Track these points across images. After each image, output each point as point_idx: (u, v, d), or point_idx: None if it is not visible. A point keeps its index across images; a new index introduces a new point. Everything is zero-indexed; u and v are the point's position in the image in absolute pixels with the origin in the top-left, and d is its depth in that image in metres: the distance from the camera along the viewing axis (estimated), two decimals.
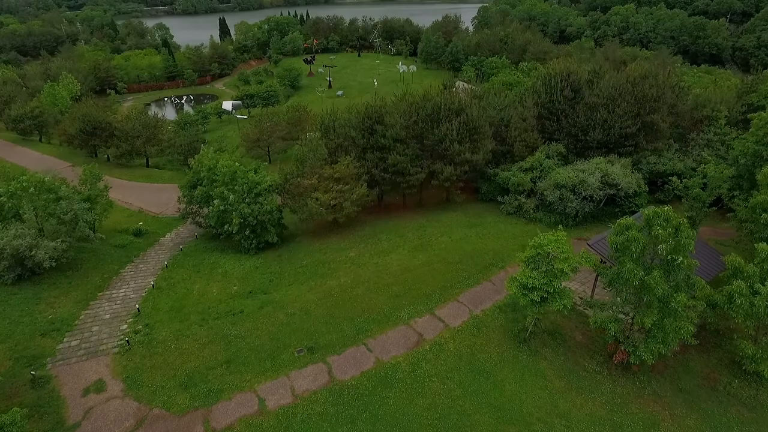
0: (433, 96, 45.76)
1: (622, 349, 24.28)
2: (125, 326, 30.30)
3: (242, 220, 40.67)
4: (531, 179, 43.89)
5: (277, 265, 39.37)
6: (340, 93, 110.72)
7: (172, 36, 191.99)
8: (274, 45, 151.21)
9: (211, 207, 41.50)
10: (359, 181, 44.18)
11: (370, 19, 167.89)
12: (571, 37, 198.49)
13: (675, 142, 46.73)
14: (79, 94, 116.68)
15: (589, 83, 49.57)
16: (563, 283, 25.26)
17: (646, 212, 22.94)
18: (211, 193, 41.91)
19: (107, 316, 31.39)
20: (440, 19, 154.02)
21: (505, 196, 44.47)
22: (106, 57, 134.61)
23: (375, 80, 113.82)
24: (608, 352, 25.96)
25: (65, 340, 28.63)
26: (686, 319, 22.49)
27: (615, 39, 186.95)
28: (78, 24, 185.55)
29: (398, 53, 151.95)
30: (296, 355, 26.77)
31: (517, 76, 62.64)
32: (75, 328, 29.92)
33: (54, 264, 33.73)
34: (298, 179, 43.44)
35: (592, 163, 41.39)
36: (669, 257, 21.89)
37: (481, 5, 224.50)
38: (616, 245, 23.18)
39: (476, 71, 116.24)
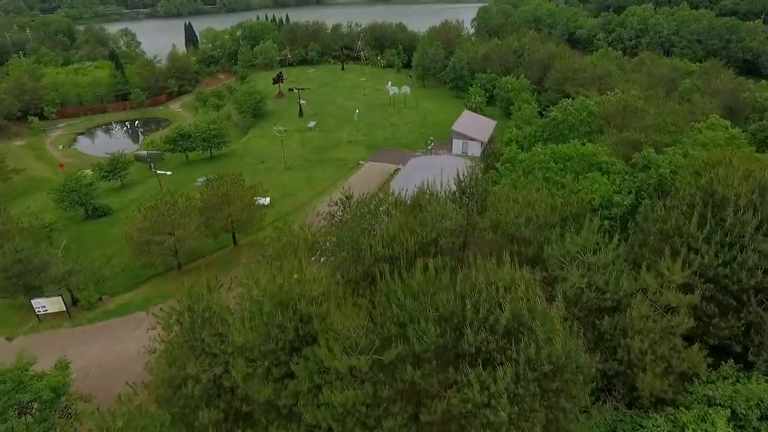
0: (441, 280, 16.17)
1: None
2: None
3: None
4: None
5: None
6: (312, 124, 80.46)
7: (140, 42, 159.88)
8: (242, 56, 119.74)
9: None
10: None
11: (357, 24, 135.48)
12: (581, 40, 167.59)
13: None
14: None
15: None
16: None
17: None
18: None
19: None
20: (438, 24, 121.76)
21: None
22: (33, 74, 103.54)
23: (357, 110, 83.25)
24: None
25: None
26: None
27: (632, 42, 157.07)
28: (28, 30, 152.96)
29: (389, 65, 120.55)
30: None
31: (593, 149, 32.74)
32: None
33: None
34: None
35: None
36: None
37: (480, 5, 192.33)
38: None
39: (486, 92, 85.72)
